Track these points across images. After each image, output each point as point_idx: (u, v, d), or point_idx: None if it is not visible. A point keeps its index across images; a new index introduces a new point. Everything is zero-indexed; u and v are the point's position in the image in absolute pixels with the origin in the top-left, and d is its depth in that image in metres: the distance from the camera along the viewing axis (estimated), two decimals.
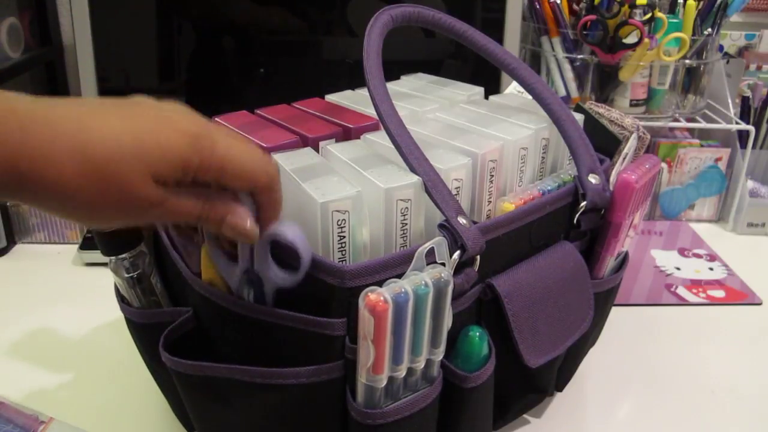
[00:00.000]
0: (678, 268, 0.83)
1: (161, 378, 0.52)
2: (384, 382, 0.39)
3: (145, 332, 0.49)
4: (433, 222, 0.43)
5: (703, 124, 0.93)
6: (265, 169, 0.35)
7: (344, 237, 0.41)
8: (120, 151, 0.30)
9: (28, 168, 0.29)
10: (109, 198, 0.31)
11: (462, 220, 0.42)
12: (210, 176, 0.34)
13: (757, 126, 0.98)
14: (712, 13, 0.89)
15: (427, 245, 0.38)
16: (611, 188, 0.52)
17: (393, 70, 0.60)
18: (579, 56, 0.91)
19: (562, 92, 0.93)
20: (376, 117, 0.46)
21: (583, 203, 0.50)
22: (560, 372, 0.57)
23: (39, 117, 0.30)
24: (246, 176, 0.35)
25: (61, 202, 0.31)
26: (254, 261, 0.39)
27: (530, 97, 0.55)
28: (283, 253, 0.38)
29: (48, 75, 1.05)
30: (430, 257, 0.39)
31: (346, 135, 0.53)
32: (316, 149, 0.50)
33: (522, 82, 0.55)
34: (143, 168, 0.31)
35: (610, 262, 0.54)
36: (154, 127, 0.32)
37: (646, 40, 0.84)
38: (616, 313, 0.70)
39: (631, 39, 0.86)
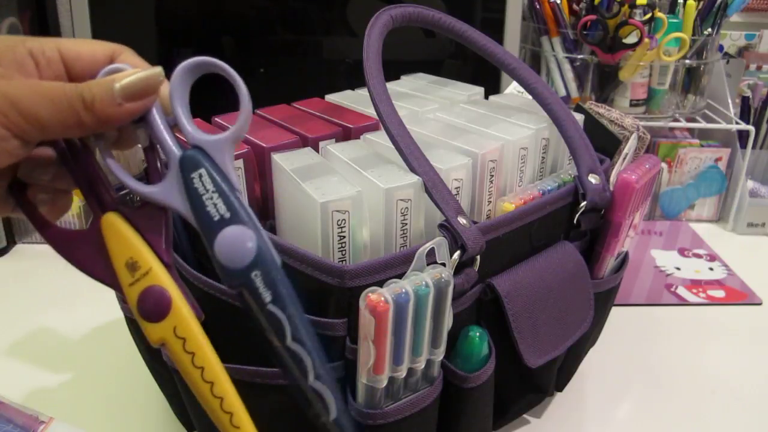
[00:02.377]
0: (678, 268, 0.83)
1: (161, 378, 0.52)
2: (384, 383, 0.39)
3: None
4: (433, 222, 0.43)
5: (703, 124, 0.93)
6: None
7: (344, 237, 0.41)
8: None
9: None
10: None
11: (462, 220, 0.42)
12: None
13: (757, 126, 0.98)
14: (712, 13, 0.89)
15: (428, 245, 0.38)
16: (611, 188, 0.52)
17: (393, 70, 0.60)
18: (579, 56, 0.91)
19: (562, 92, 0.93)
20: (376, 117, 0.46)
21: (583, 203, 0.50)
22: (560, 372, 0.57)
23: None
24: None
25: None
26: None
27: (530, 97, 0.55)
28: None
29: None
30: (431, 257, 0.39)
31: (346, 135, 0.53)
32: (316, 149, 0.50)
33: (522, 82, 0.55)
34: None
35: (610, 262, 0.54)
36: None
37: (646, 40, 0.84)
38: (616, 313, 0.70)
39: (631, 39, 0.86)
